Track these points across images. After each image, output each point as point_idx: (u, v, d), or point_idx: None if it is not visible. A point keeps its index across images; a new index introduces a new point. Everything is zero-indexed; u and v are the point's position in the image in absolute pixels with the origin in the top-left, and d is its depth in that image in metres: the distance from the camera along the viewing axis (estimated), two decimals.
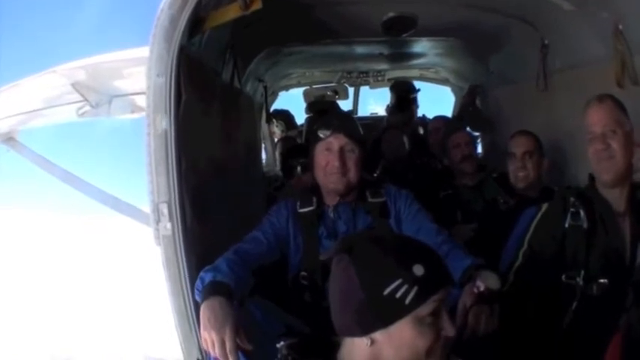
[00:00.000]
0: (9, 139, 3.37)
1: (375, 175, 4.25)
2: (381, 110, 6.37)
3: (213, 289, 1.84)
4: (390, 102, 5.51)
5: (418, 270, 1.25)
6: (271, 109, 5.65)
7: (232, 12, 2.31)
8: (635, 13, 2.57)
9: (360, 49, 4.83)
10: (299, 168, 3.45)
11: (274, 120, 5.61)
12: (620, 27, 2.66)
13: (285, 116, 5.80)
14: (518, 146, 3.08)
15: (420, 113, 5.53)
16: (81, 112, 3.01)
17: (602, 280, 2.07)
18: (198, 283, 1.93)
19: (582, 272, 2.10)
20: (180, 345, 2.20)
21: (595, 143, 2.15)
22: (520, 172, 3.07)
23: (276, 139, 5.66)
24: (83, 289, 7.05)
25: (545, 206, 2.30)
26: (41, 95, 3.15)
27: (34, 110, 3.25)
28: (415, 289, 1.24)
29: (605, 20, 2.73)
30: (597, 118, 2.17)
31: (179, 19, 2.10)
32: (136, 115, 3.11)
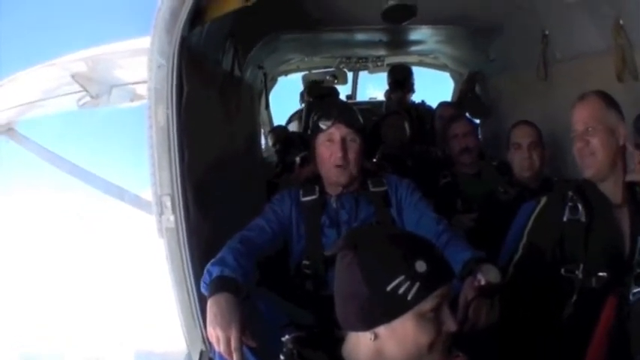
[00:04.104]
0: (8, 130, 3.36)
1: (375, 160, 4.25)
2: (380, 95, 6.36)
3: (220, 285, 1.83)
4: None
5: (420, 266, 1.27)
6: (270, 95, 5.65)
7: (233, 2, 2.27)
8: (635, 8, 2.55)
9: (359, 36, 4.81)
10: (298, 160, 3.43)
11: None
12: (621, 22, 2.64)
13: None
14: (524, 137, 3.08)
15: (418, 99, 5.51)
16: (81, 102, 3.02)
17: (601, 274, 2.08)
18: (205, 276, 1.92)
19: (581, 266, 2.10)
20: (184, 336, 2.21)
21: (577, 141, 2.19)
22: (526, 162, 3.07)
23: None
24: (77, 282, 7.04)
25: (543, 200, 2.30)
26: (40, 87, 3.13)
27: (33, 101, 3.24)
28: (417, 285, 1.26)
29: (605, 14, 2.72)
30: (579, 117, 2.20)
31: (180, 11, 2.07)
32: (136, 104, 3.11)
